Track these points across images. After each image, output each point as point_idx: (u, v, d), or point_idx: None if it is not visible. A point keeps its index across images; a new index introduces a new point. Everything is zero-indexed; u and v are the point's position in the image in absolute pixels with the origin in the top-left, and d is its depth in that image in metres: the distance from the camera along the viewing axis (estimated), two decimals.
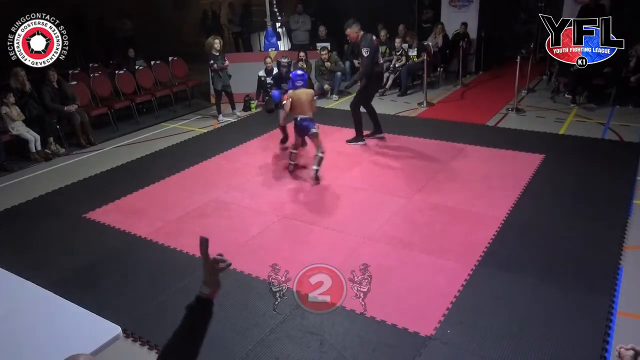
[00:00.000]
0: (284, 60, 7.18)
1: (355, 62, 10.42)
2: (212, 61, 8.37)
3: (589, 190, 5.29)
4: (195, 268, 4.21)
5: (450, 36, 10.73)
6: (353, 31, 6.45)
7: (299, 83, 5.77)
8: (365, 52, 6.37)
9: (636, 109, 7.96)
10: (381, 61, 6.89)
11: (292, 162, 6.08)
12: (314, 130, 5.67)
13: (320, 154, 5.72)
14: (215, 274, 1.60)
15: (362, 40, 6.41)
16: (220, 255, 1.59)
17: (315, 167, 5.73)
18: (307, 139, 6.06)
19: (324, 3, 11.77)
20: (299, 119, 5.73)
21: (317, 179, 5.72)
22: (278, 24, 10.42)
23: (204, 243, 1.56)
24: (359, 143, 6.90)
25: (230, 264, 1.60)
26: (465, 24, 10.63)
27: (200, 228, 4.88)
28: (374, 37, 6.62)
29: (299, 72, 5.96)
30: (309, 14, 11.11)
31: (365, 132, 6.99)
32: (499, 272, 3.96)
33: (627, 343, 1.92)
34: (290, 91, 5.86)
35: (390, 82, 9.86)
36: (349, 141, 6.93)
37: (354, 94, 7.19)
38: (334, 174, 6.01)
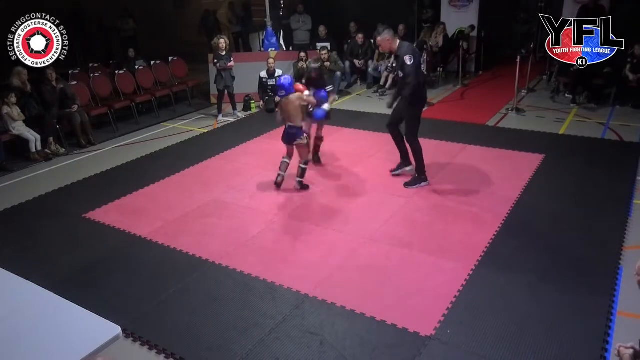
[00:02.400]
0: (314, 66, 6.25)
1: (357, 62, 10.43)
2: (215, 60, 8.42)
3: (589, 190, 5.29)
4: (196, 268, 4.22)
5: (451, 35, 10.71)
6: (384, 39, 5.29)
7: (282, 93, 5.35)
8: (409, 60, 5.10)
9: (636, 109, 7.97)
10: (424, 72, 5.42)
11: (282, 173, 5.64)
12: (299, 140, 5.42)
13: (302, 165, 5.53)
14: None
15: (400, 48, 5.25)
16: None
17: (298, 179, 5.56)
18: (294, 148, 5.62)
19: (323, 3, 11.77)
20: (287, 126, 5.46)
21: (302, 187, 5.57)
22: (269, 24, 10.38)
23: None
24: (422, 184, 5.56)
25: None
26: (473, 26, 10.62)
27: (200, 228, 4.89)
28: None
29: (282, 80, 5.41)
30: (307, 13, 11.09)
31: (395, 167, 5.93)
32: (498, 272, 3.96)
33: (627, 343, 1.92)
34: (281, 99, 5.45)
35: (390, 82, 9.86)
36: (407, 185, 5.58)
37: (397, 118, 5.60)
38: (334, 173, 6.01)
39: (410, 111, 5.36)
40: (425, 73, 5.44)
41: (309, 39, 11.01)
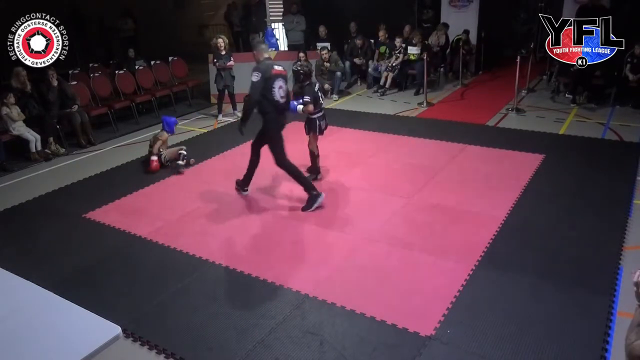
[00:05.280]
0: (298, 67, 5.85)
1: (357, 60, 10.45)
2: (215, 59, 8.42)
3: (589, 190, 5.29)
4: (196, 268, 4.22)
5: (451, 39, 10.72)
6: (253, 52, 5.14)
7: None
8: (254, 77, 4.78)
9: (636, 109, 7.97)
10: (280, 98, 4.97)
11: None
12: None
13: None
14: None
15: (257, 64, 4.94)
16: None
17: None
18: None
19: (323, 3, 11.77)
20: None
21: None
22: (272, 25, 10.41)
23: None
24: (318, 201, 5.08)
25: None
26: (467, 32, 10.61)
27: (200, 228, 4.89)
28: (277, 67, 5.00)
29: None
30: (307, 13, 11.09)
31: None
32: (499, 272, 3.96)
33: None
34: None
35: (389, 81, 9.87)
36: (304, 209, 5.09)
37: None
38: (334, 174, 6.01)
39: (266, 126, 5.12)
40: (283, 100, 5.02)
41: (303, 39, 11.01)
